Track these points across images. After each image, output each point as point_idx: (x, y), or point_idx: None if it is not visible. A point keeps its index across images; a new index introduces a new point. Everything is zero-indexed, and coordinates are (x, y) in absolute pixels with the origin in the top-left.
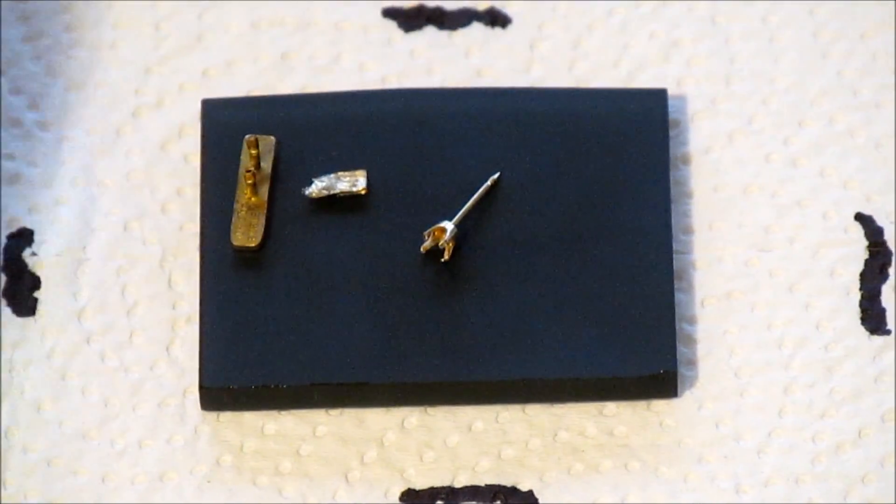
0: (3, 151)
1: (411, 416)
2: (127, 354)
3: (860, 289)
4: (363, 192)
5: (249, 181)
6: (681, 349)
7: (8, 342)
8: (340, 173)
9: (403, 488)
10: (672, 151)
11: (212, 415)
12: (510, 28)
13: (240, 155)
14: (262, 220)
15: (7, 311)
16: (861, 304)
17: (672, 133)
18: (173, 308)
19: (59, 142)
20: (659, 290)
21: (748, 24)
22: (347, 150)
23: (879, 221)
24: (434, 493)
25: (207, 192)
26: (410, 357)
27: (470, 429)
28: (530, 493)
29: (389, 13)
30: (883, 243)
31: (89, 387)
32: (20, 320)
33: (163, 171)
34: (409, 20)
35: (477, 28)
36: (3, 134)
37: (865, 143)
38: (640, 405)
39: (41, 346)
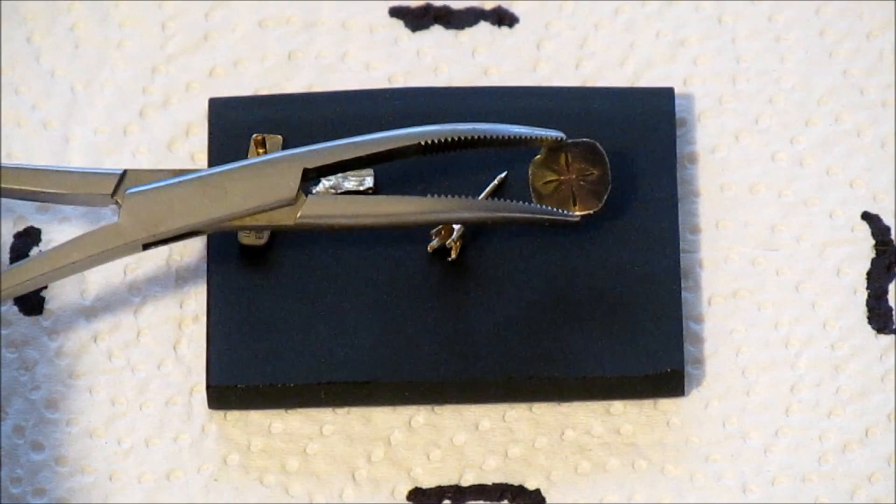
0: (9, 151)
1: (418, 415)
2: (134, 353)
3: (867, 288)
4: (370, 191)
5: None
6: (688, 348)
7: (15, 341)
8: (347, 172)
9: (410, 487)
10: (678, 150)
11: (219, 413)
12: (517, 27)
13: (247, 154)
14: None
15: (14, 309)
16: (868, 303)
17: (679, 132)
18: (180, 307)
19: (66, 141)
20: (666, 288)
21: (754, 23)
22: None
23: (886, 220)
24: (441, 491)
25: None
26: (417, 356)
27: (477, 427)
28: (537, 491)
29: (396, 12)
30: (889, 242)
31: (96, 385)
32: (27, 319)
33: (170, 170)
34: (416, 19)
35: (484, 27)
36: (8, 133)
37: (872, 142)
38: (647, 404)
39: (48, 345)
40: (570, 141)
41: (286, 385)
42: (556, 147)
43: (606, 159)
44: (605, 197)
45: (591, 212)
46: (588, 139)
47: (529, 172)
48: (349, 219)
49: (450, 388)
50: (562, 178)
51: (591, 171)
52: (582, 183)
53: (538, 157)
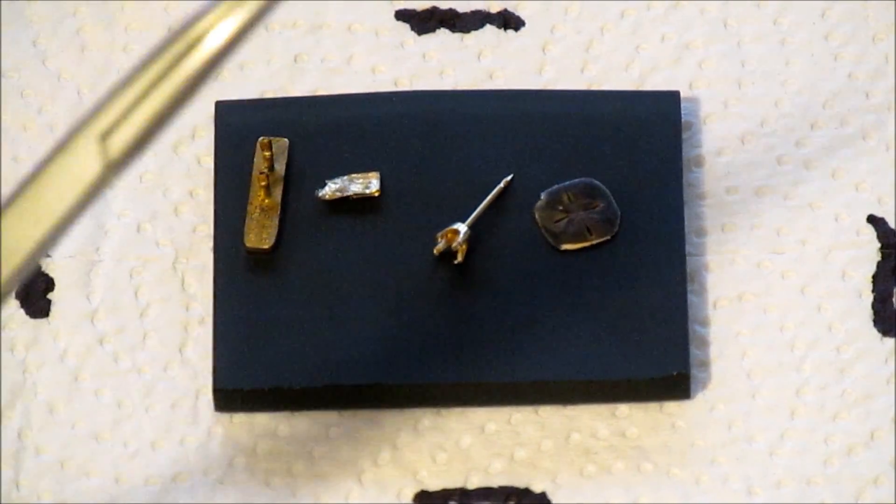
0: (15, 154)
1: (424, 418)
2: (140, 356)
3: (872, 291)
4: (376, 194)
5: (262, 183)
6: (693, 351)
7: (21, 344)
8: (353, 175)
9: (416, 489)
10: (684, 153)
11: (225, 416)
12: (522, 31)
13: (253, 157)
14: (276, 222)
15: (20, 312)
16: (873, 306)
17: (684, 135)
18: (186, 310)
19: None
20: (672, 291)
21: (760, 26)
22: (360, 153)
23: (891, 223)
24: (447, 494)
25: (220, 194)
26: (423, 358)
27: (483, 430)
28: (543, 494)
29: (402, 15)
30: (895, 245)
31: (102, 388)
32: (33, 322)
33: (176, 173)
34: (422, 22)
35: (489, 31)
36: (14, 137)
37: (877, 145)
38: (653, 407)
39: (54, 348)
40: (565, 183)
41: (292, 388)
42: (554, 190)
43: (607, 191)
44: (618, 223)
45: (609, 237)
46: (583, 178)
47: (537, 217)
48: None
49: (456, 391)
50: (570, 214)
51: (595, 203)
52: (593, 215)
53: (539, 202)
